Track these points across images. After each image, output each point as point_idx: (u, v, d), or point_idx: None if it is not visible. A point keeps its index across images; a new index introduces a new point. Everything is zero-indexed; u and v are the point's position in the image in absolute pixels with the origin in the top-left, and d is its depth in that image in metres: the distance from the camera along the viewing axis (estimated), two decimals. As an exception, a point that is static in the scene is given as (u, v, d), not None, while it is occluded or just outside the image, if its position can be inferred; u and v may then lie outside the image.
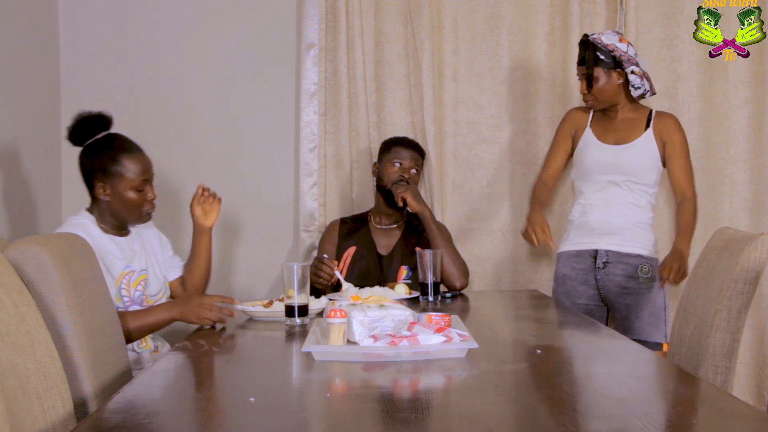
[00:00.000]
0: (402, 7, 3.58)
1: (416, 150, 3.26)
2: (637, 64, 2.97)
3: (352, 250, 3.21)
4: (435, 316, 2.05)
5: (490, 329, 2.47)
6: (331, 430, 1.40)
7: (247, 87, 3.67)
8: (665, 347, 2.85)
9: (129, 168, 2.56)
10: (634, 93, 3.02)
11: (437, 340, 1.85)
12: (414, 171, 3.22)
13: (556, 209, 3.59)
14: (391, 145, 3.27)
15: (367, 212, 3.34)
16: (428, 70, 3.53)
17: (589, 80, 3.00)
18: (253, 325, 2.45)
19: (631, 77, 2.98)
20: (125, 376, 2.24)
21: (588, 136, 3.10)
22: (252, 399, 1.55)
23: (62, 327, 1.95)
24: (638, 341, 2.89)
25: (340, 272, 3.04)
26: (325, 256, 3.09)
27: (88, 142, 2.61)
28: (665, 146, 3.01)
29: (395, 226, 3.28)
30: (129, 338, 2.43)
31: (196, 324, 2.44)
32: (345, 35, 3.53)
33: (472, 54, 3.63)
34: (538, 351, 2.00)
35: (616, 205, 3.02)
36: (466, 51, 3.63)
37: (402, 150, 3.23)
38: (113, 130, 2.67)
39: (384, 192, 3.21)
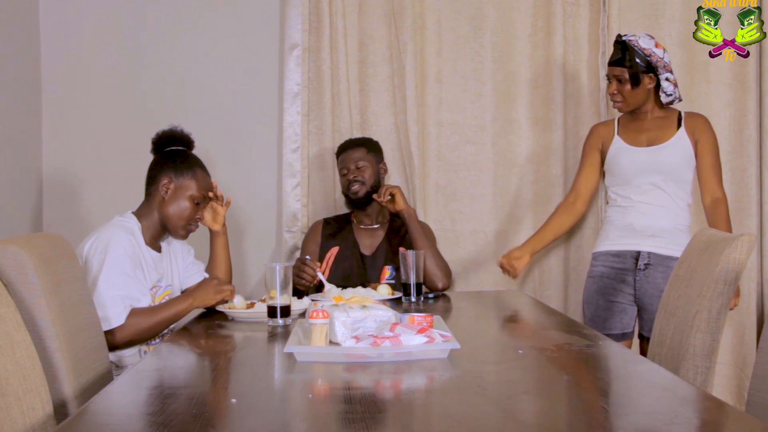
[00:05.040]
0: (385, 8, 3.58)
1: (356, 146, 3.28)
2: (671, 71, 3.00)
3: (335, 250, 3.21)
4: (417, 317, 2.05)
5: (472, 330, 2.47)
6: (313, 431, 1.40)
7: (230, 87, 3.66)
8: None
9: (199, 179, 2.71)
10: (665, 99, 3.03)
11: (419, 341, 1.85)
12: (362, 163, 3.23)
13: (542, 212, 3.59)
14: (337, 157, 3.33)
15: (350, 213, 3.34)
16: (411, 71, 3.53)
17: (635, 79, 2.99)
18: (235, 326, 2.45)
19: (665, 84, 3.00)
20: (106, 378, 2.24)
21: (618, 144, 3.12)
22: (234, 400, 1.54)
23: (42, 328, 1.94)
24: None
25: (323, 273, 3.04)
26: (307, 257, 3.09)
27: (169, 149, 2.75)
28: (697, 144, 3.03)
29: (378, 226, 3.28)
30: (150, 333, 2.49)
31: (214, 304, 2.57)
32: (328, 36, 3.53)
33: (456, 55, 3.63)
34: (520, 351, 2.00)
35: (659, 208, 3.03)
36: (450, 52, 3.63)
37: (343, 156, 3.28)
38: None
39: (348, 199, 3.26)
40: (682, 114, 3.09)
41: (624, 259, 3.06)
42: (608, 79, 3.10)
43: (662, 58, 2.98)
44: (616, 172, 3.12)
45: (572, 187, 3.30)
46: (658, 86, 3.03)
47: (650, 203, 3.04)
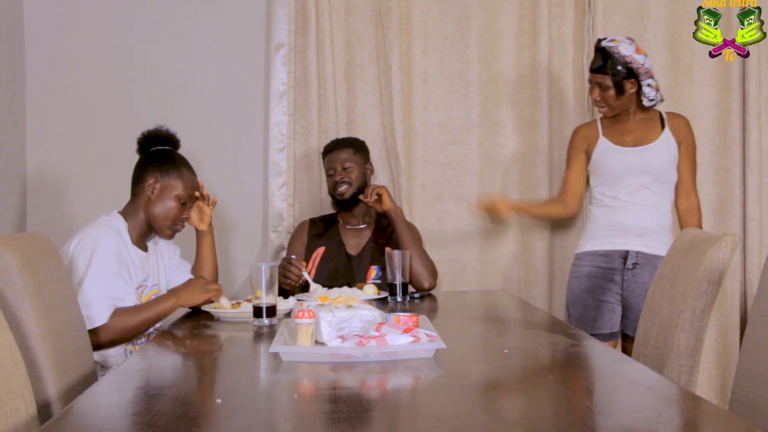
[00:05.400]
0: (372, 8, 3.58)
1: (343, 147, 3.27)
2: (653, 77, 3.00)
3: (321, 250, 3.21)
4: (403, 317, 2.05)
5: (457, 330, 2.47)
6: (298, 431, 1.40)
7: (216, 87, 3.65)
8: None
9: (185, 178, 2.71)
10: (647, 103, 3.04)
11: (405, 341, 1.85)
12: (349, 164, 3.22)
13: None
14: (323, 157, 3.32)
15: (337, 213, 3.33)
16: (397, 72, 3.53)
17: (619, 87, 3.00)
18: (220, 326, 2.44)
19: (647, 90, 3.01)
20: (90, 378, 2.22)
21: (604, 144, 3.13)
22: (219, 400, 1.54)
23: (26, 328, 1.93)
24: None
25: (309, 273, 3.03)
26: (293, 256, 3.08)
27: (155, 148, 2.74)
28: (680, 146, 3.06)
29: (364, 226, 3.27)
30: (134, 333, 2.49)
31: (200, 303, 2.57)
32: (315, 36, 3.53)
33: (442, 56, 3.64)
34: (506, 351, 2.00)
35: (647, 208, 3.05)
36: (436, 52, 3.64)
37: (330, 156, 3.27)
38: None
39: (334, 200, 3.24)
40: (664, 114, 3.11)
41: (612, 258, 3.07)
42: (590, 83, 3.11)
43: (643, 64, 2.98)
44: (602, 173, 3.13)
45: (562, 189, 3.28)
46: (639, 88, 3.04)
47: (638, 203, 3.06)
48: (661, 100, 3.09)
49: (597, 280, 3.07)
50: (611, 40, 3.02)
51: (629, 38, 3.06)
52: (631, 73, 2.99)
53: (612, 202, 3.10)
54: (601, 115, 3.19)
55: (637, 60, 2.98)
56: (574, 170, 3.23)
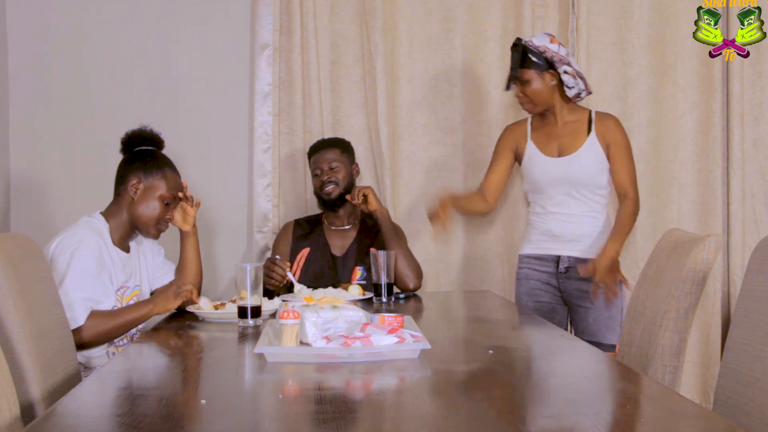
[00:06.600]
0: (357, 9, 3.58)
1: (330, 147, 3.26)
2: (569, 64, 2.94)
3: (305, 251, 3.20)
4: (388, 317, 2.05)
5: (442, 330, 2.47)
6: (284, 432, 1.40)
7: (201, 87, 3.64)
8: (618, 348, 2.87)
9: (169, 179, 2.69)
10: (569, 93, 2.98)
11: (390, 341, 1.85)
12: (335, 164, 3.22)
13: (510, 212, 3.62)
14: (310, 157, 3.31)
15: (321, 213, 3.33)
16: (382, 72, 3.53)
17: (538, 68, 2.94)
18: (205, 327, 2.43)
19: (564, 77, 2.94)
20: (74, 379, 2.21)
21: (531, 150, 3.07)
22: (203, 401, 1.54)
23: (9, 330, 1.91)
24: (593, 342, 2.91)
25: (293, 273, 3.03)
26: (277, 257, 3.08)
27: (139, 148, 2.73)
28: (609, 148, 2.97)
29: (349, 227, 3.27)
30: (109, 336, 2.47)
31: (175, 306, 2.52)
32: (299, 36, 3.53)
33: (427, 56, 3.64)
34: (491, 351, 2.00)
35: (575, 216, 3.00)
36: (421, 53, 3.64)
37: (316, 156, 3.26)
38: None
39: (320, 200, 3.24)
40: (593, 115, 3.04)
41: (546, 262, 3.06)
42: (512, 83, 3.04)
43: (557, 52, 2.92)
44: (529, 180, 3.10)
45: (483, 184, 3.19)
46: (562, 82, 2.99)
47: (566, 212, 3.02)
48: (588, 92, 3.03)
49: (534, 282, 3.08)
50: (527, 37, 2.99)
51: (548, 33, 3.01)
52: (550, 64, 2.95)
53: (541, 209, 3.08)
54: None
55: (551, 48, 2.92)
56: (498, 168, 3.17)
